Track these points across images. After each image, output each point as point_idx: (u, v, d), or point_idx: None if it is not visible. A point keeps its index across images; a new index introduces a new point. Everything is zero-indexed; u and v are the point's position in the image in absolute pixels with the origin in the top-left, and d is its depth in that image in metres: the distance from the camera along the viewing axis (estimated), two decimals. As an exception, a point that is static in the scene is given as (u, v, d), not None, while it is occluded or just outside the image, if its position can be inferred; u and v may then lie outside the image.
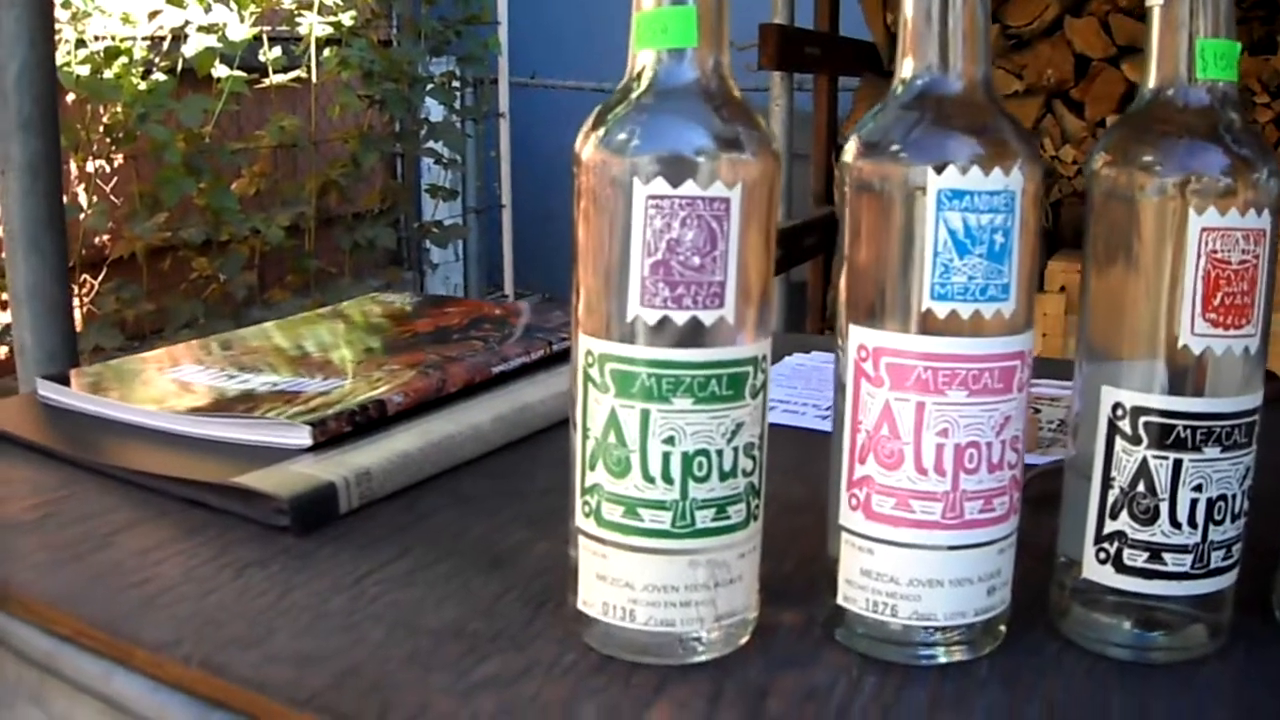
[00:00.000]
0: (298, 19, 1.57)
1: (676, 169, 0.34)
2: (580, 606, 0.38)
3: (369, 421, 0.53)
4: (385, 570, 0.43)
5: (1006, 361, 0.36)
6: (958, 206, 0.35)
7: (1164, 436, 0.36)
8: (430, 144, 1.80)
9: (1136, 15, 1.75)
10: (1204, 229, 0.35)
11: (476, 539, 0.46)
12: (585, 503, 0.37)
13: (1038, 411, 0.62)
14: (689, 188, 0.34)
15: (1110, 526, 0.38)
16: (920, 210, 0.35)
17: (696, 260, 0.34)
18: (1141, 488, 0.37)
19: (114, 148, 1.42)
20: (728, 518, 0.36)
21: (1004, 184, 0.35)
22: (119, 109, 1.39)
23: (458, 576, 0.43)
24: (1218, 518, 0.37)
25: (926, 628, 0.37)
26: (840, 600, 0.38)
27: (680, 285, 0.34)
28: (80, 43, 1.37)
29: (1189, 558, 0.37)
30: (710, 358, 0.35)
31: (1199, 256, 0.35)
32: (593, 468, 0.36)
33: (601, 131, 0.35)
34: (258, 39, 1.53)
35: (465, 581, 0.43)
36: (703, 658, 0.37)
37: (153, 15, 1.44)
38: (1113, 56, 1.78)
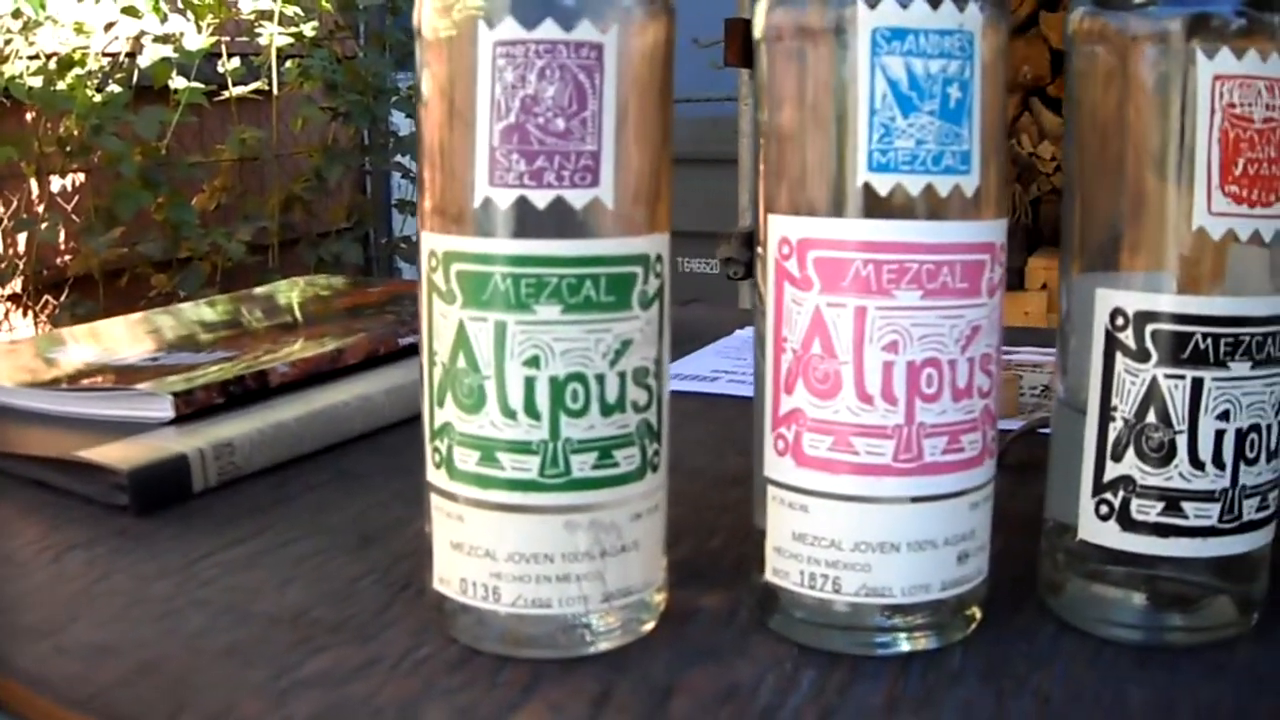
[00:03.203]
0: (257, 30, 1.52)
1: (532, 7, 0.27)
2: (437, 586, 0.30)
3: (246, 393, 0.46)
4: (230, 552, 0.36)
5: (971, 254, 0.28)
6: (899, 50, 0.27)
7: (1179, 349, 0.28)
8: (398, 158, 1.75)
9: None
10: (1217, 76, 0.27)
11: (347, 518, 0.38)
12: (435, 450, 0.29)
13: (1020, 376, 0.54)
14: (548, 29, 0.26)
15: (1113, 471, 0.29)
16: (852, 58, 0.27)
17: (560, 123, 0.26)
18: (1152, 418, 0.29)
19: (68, 161, 1.37)
20: (614, 465, 0.28)
21: (958, 21, 0.27)
22: (72, 122, 1.34)
23: (313, 558, 0.35)
24: (1250, 455, 0.29)
25: (880, 607, 0.29)
26: (769, 576, 0.30)
27: (540, 156, 0.27)
28: (34, 56, 1.32)
29: (1216, 507, 0.29)
30: (583, 251, 0.27)
31: (1213, 112, 0.27)
32: (441, 403, 0.28)
33: (446, -26, 0.28)
34: (217, 51, 1.48)
35: (321, 564, 0.35)
36: (594, 649, 0.29)
37: (108, 26, 1.39)
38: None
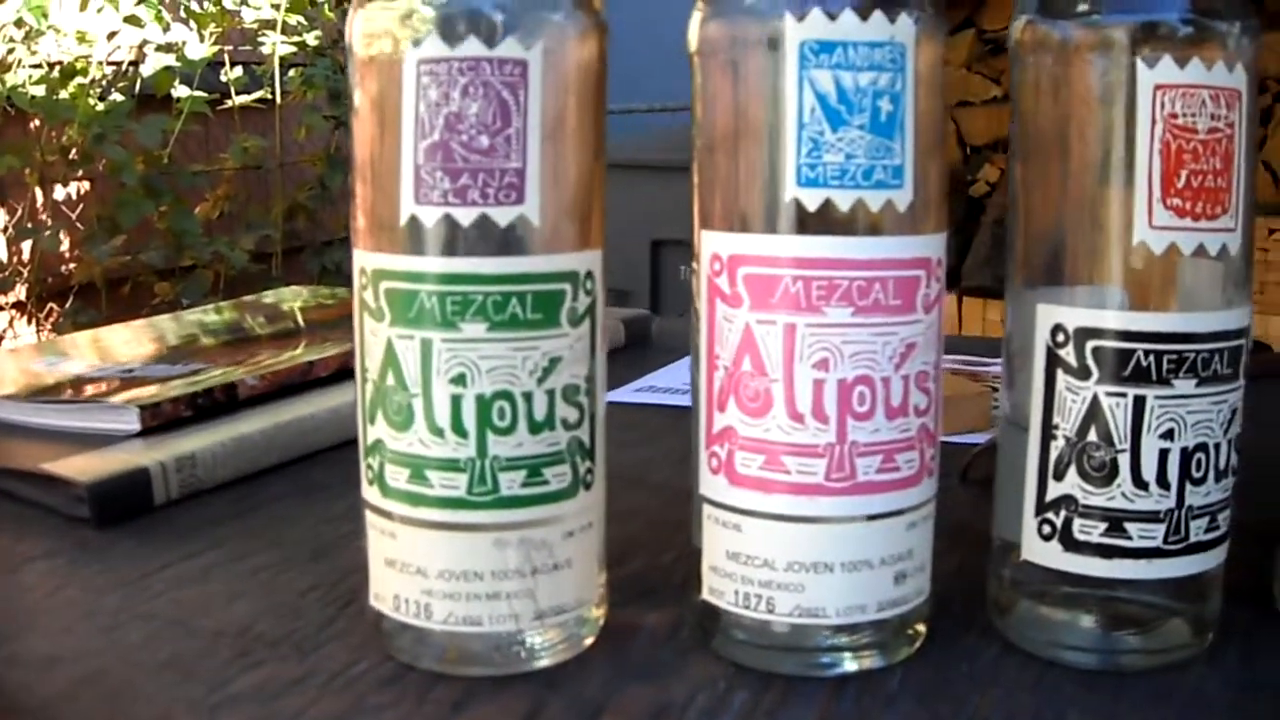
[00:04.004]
0: (260, 39, 1.53)
1: (455, 25, 0.26)
2: (373, 602, 0.30)
3: (214, 405, 0.46)
4: (183, 565, 0.36)
5: (905, 270, 0.27)
6: (827, 63, 0.26)
7: (1120, 366, 0.28)
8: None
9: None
10: (1158, 86, 0.27)
11: (303, 532, 0.39)
12: (368, 466, 0.29)
13: (995, 390, 0.53)
14: (471, 47, 0.26)
15: (1055, 490, 0.29)
16: (781, 71, 0.27)
17: (484, 140, 0.26)
18: (1094, 436, 0.28)
19: (71, 170, 1.38)
20: (544, 483, 0.28)
21: (889, 33, 0.26)
22: (74, 130, 1.35)
23: (265, 571, 0.35)
24: (1196, 475, 0.28)
25: (816, 627, 0.28)
26: (706, 594, 0.30)
27: (464, 173, 0.26)
28: (37, 65, 1.33)
29: (1161, 528, 0.28)
30: (508, 269, 0.27)
31: (1154, 123, 0.27)
32: (373, 420, 0.28)
33: (377, -9, 0.28)
34: (220, 60, 1.49)
35: (271, 578, 0.35)
36: (531, 666, 0.29)
37: (111, 35, 1.40)
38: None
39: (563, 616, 0.29)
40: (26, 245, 1.39)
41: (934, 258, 0.28)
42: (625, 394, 0.56)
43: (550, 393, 0.27)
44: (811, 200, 0.27)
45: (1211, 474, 0.28)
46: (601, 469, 0.29)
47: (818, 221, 0.27)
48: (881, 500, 0.28)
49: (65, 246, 1.45)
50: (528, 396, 0.27)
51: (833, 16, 0.26)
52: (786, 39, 0.26)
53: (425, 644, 0.29)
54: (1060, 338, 0.28)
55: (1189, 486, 0.28)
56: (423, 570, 0.28)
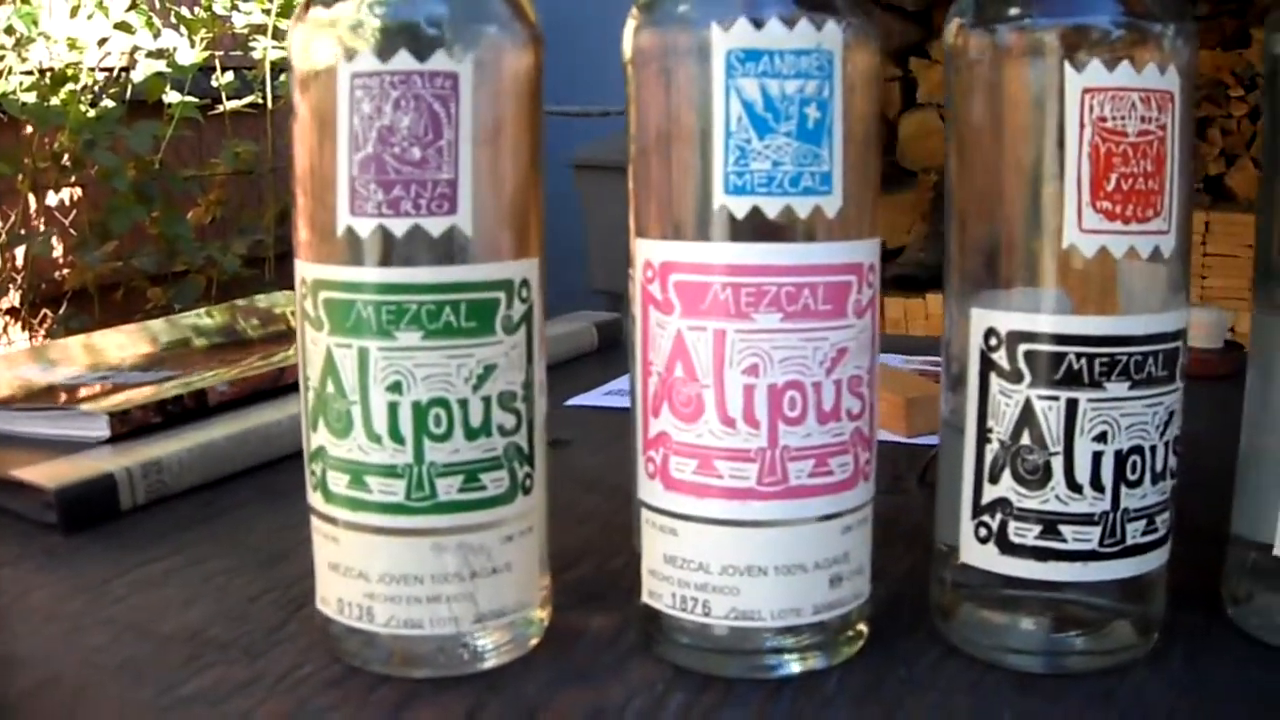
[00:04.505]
0: (251, 44, 1.53)
1: (388, 40, 0.27)
2: (319, 606, 0.30)
3: (184, 412, 0.47)
4: (145, 570, 0.37)
5: (835, 275, 0.28)
6: (753, 71, 0.27)
7: (1052, 370, 0.28)
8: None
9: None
10: (1086, 90, 0.27)
11: (262, 536, 0.39)
12: (312, 472, 0.29)
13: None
14: (402, 61, 0.27)
15: (990, 494, 0.29)
16: (708, 80, 0.27)
17: (416, 152, 0.27)
18: (1027, 439, 0.28)
19: (62, 177, 1.39)
20: (481, 488, 0.28)
21: (815, 40, 0.27)
22: (65, 137, 1.36)
23: (221, 576, 0.36)
24: (1131, 477, 0.28)
25: (757, 630, 0.29)
26: (645, 598, 0.30)
27: (397, 185, 0.27)
28: (28, 72, 1.34)
29: (1096, 531, 0.28)
30: (442, 278, 0.27)
31: (1082, 126, 0.27)
32: (315, 427, 0.29)
33: (315, 7, 0.28)
34: (210, 66, 1.49)
35: (227, 582, 0.35)
36: (476, 668, 0.29)
37: (102, 42, 1.41)
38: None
39: (504, 619, 0.29)
40: (20, 252, 1.41)
41: (866, 263, 0.28)
42: (594, 398, 0.56)
43: (486, 400, 0.28)
44: (739, 208, 0.27)
45: (1148, 476, 0.28)
46: (542, 474, 0.30)
47: (747, 228, 0.27)
48: (815, 504, 0.28)
49: (59, 253, 1.46)
50: (463, 403, 0.28)
51: (759, 25, 0.26)
52: (713, 48, 0.27)
53: (373, 647, 0.29)
54: (993, 341, 0.28)
55: (1124, 489, 0.28)
56: (364, 574, 0.28)
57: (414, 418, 0.27)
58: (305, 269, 0.28)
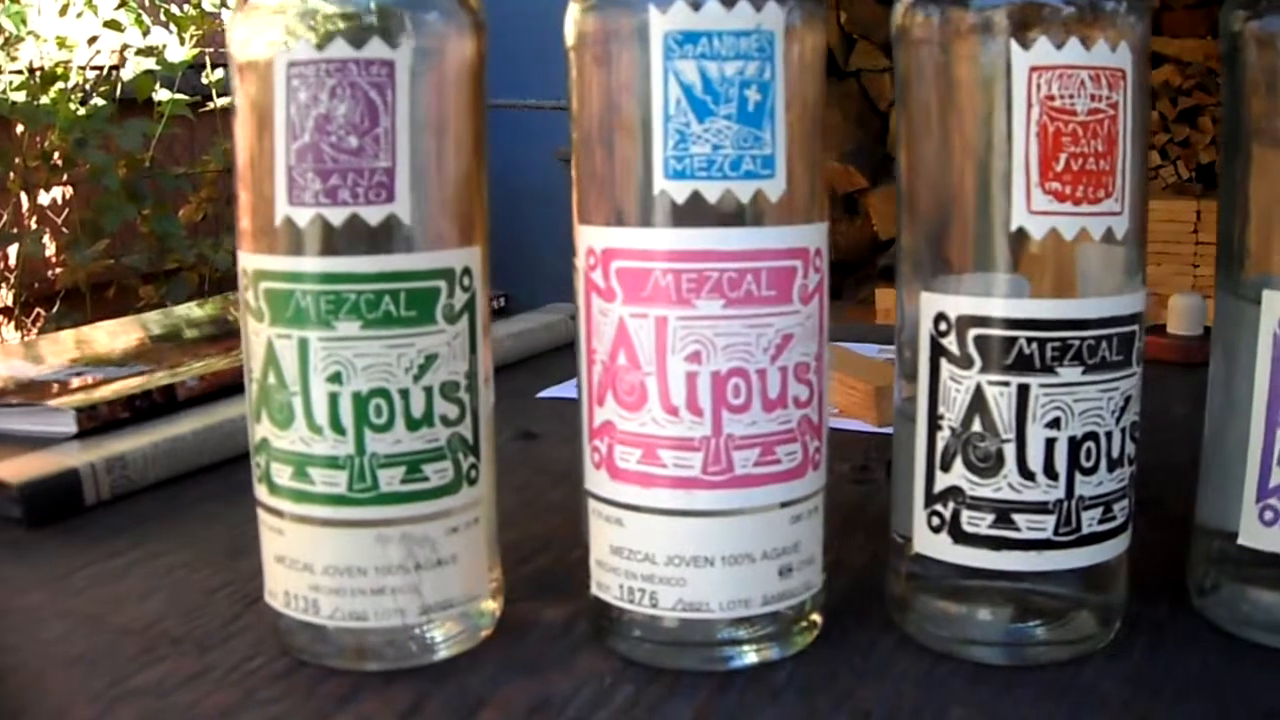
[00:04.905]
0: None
1: (323, 27, 0.27)
2: (267, 599, 0.30)
3: (153, 407, 0.47)
4: (106, 563, 0.37)
5: (778, 260, 0.27)
6: (691, 53, 0.26)
7: (1003, 355, 0.27)
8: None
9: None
10: (1034, 68, 0.26)
11: (223, 530, 0.39)
12: (257, 464, 0.29)
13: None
14: (338, 48, 0.26)
15: (942, 482, 0.28)
16: (647, 64, 0.27)
17: (353, 141, 0.26)
18: (978, 426, 0.28)
19: (53, 175, 1.40)
20: (424, 479, 0.28)
21: (755, 21, 0.26)
22: (55, 135, 1.37)
23: (180, 570, 0.36)
24: (1086, 464, 0.27)
25: (703, 622, 0.28)
26: (594, 589, 0.30)
27: (334, 174, 0.27)
28: (17, 71, 1.35)
29: (1050, 519, 0.27)
30: (380, 267, 0.27)
31: (1030, 106, 0.26)
32: (259, 419, 0.29)
33: (257, -5, 0.28)
34: (200, 63, 1.50)
35: (186, 575, 0.35)
36: (426, 660, 0.29)
37: (91, 40, 1.42)
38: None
39: (451, 611, 0.29)
40: (12, 251, 1.42)
41: (812, 248, 0.28)
42: (568, 389, 0.56)
43: (428, 390, 0.28)
44: (679, 192, 0.26)
45: (1103, 463, 0.28)
46: (489, 465, 0.29)
47: (689, 214, 0.27)
48: (761, 493, 0.28)
49: (51, 251, 1.47)
50: (404, 394, 0.27)
51: (696, 6, 0.26)
52: (651, 30, 0.26)
53: (324, 641, 0.29)
54: (943, 326, 0.28)
55: (1079, 476, 0.27)
56: (309, 566, 0.28)
57: (355, 408, 0.27)
58: (246, 260, 0.28)
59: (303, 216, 0.27)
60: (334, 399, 0.27)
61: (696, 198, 0.26)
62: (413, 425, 0.28)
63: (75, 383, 0.50)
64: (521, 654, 0.30)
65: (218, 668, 0.30)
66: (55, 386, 0.50)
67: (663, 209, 0.27)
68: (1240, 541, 0.29)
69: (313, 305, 0.27)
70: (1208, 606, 0.30)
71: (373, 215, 0.27)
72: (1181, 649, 0.29)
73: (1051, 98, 0.26)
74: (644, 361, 0.27)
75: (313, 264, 0.27)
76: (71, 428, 0.44)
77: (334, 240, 0.27)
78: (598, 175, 0.28)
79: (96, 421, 0.45)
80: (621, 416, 0.28)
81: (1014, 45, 0.26)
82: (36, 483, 0.40)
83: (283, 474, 0.28)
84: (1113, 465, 0.28)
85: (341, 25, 0.26)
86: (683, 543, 0.28)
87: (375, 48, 0.26)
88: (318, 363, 0.27)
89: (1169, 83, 1.73)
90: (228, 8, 1.50)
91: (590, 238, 0.28)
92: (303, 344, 0.27)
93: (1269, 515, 0.28)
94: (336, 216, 0.27)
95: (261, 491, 0.29)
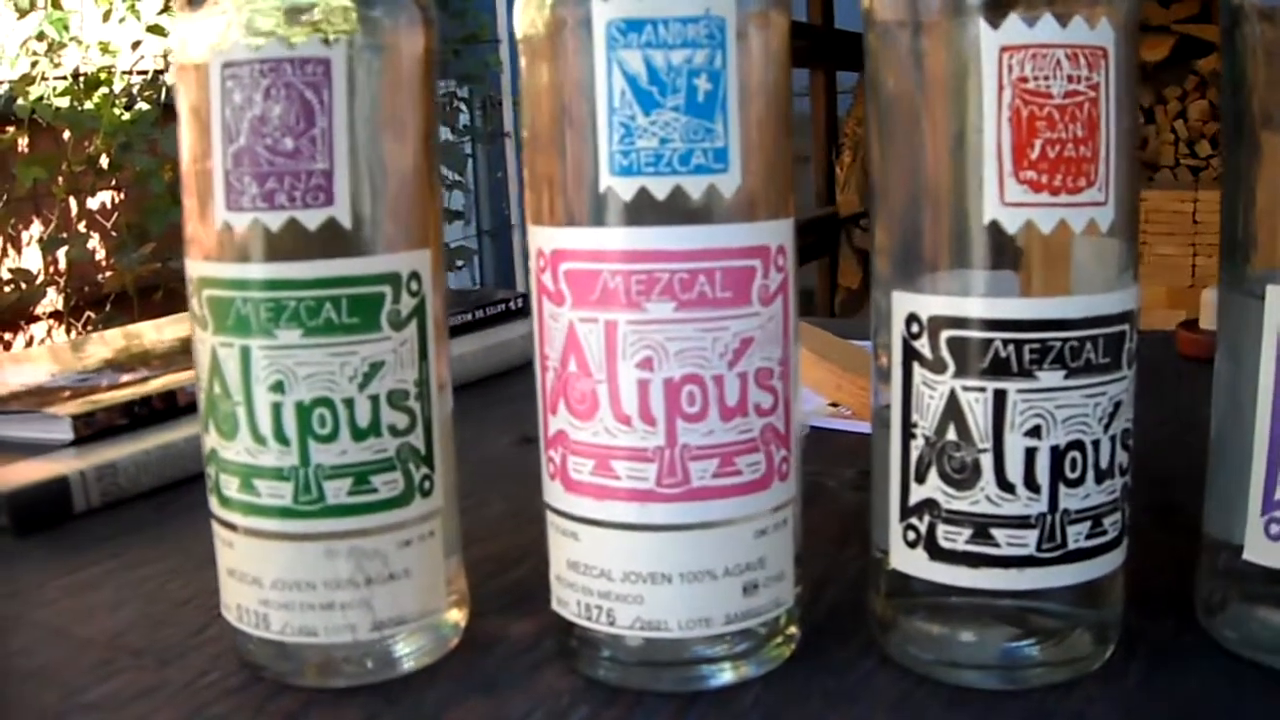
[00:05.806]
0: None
1: (258, 27, 0.26)
2: (223, 612, 0.29)
3: (153, 414, 0.47)
4: (83, 573, 0.37)
5: (735, 260, 0.26)
6: (636, 42, 0.25)
7: (978, 358, 0.25)
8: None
9: None
10: (1004, 48, 0.24)
11: (204, 540, 0.39)
12: (208, 476, 0.28)
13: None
14: (272, 49, 0.25)
15: (918, 494, 0.26)
16: (591, 55, 0.25)
17: (289, 143, 0.26)
18: (953, 434, 0.26)
19: (99, 180, 1.42)
20: (373, 491, 0.27)
21: (704, 6, 0.25)
22: (100, 140, 1.39)
23: (153, 580, 0.35)
24: (1071, 476, 0.25)
25: (670, 641, 0.27)
26: (554, 605, 0.28)
27: (270, 177, 0.26)
28: (61, 77, 1.38)
29: (1032, 534, 0.25)
30: (320, 273, 0.26)
31: (1001, 89, 0.24)
32: (208, 430, 0.28)
33: (198, -4, 0.27)
34: None
35: (158, 586, 0.35)
36: (384, 676, 0.28)
37: (135, 45, 1.44)
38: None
39: (405, 627, 0.28)
40: (61, 254, 1.45)
41: (773, 245, 0.26)
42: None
43: (374, 398, 0.27)
44: (626, 189, 0.25)
45: (1090, 475, 0.25)
46: (446, 475, 0.28)
47: (638, 212, 0.25)
48: (720, 507, 0.26)
49: (100, 255, 1.50)
50: (349, 403, 0.26)
51: (641, -8, 0.25)
52: (594, 19, 0.25)
53: (286, 657, 0.28)
54: (915, 328, 0.26)
55: (1063, 489, 0.25)
56: (258, 580, 0.28)
57: (298, 418, 0.26)
58: (191, 267, 0.28)
59: (241, 221, 0.26)
60: (277, 409, 0.26)
61: (644, 194, 0.25)
62: (359, 435, 0.27)
63: (104, 382, 0.50)
64: (480, 671, 0.29)
65: (174, 681, 0.29)
66: (67, 392, 0.50)
67: (612, 207, 0.25)
68: (1246, 556, 0.26)
69: (254, 313, 0.26)
70: (1214, 625, 0.28)
71: (311, 219, 0.26)
72: (1182, 672, 0.27)
73: (1024, 79, 0.24)
74: (594, 368, 0.26)
75: (252, 270, 0.26)
76: (68, 434, 0.44)
77: (275, 246, 0.26)
78: (546, 173, 0.27)
79: (94, 428, 0.45)
80: (574, 426, 0.26)
81: (983, 24, 0.24)
82: (24, 491, 0.40)
83: (231, 485, 0.27)
84: (1101, 476, 0.26)
85: (277, 23, 0.26)
86: (639, 558, 0.26)
87: (310, 46, 0.25)
88: (260, 372, 0.26)
89: (1217, 71, 1.65)
90: None
91: (540, 239, 0.27)
92: (245, 353, 0.26)
93: (1275, 529, 0.25)
94: (274, 221, 0.26)
95: (213, 503, 0.28)
